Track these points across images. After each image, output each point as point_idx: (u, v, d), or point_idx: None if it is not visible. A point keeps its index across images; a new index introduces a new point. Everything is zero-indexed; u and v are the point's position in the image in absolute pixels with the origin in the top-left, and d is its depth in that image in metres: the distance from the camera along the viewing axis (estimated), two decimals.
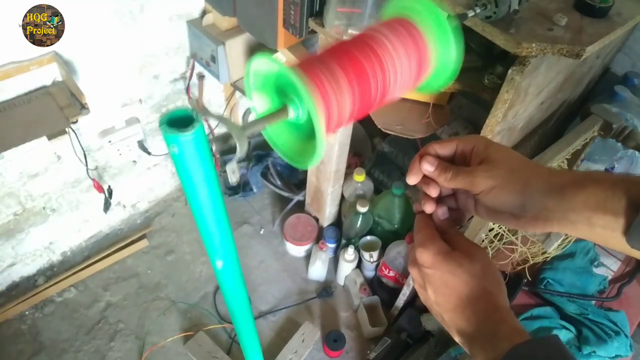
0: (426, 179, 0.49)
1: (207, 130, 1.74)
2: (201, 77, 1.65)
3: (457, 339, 0.45)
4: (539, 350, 0.38)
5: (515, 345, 0.38)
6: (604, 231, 0.39)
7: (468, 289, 0.43)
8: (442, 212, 0.49)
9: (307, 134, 0.45)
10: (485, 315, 0.42)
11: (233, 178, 0.43)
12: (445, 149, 0.49)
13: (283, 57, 1.32)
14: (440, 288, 0.45)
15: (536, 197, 0.41)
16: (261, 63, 0.43)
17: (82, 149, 1.37)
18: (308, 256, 1.75)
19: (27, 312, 1.60)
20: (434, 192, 0.49)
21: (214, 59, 1.44)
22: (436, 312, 0.46)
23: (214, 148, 0.44)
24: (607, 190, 0.38)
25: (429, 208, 0.50)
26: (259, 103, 0.48)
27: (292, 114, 0.44)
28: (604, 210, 0.38)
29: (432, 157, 0.48)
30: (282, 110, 0.44)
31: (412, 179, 0.50)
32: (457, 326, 0.44)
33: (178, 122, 0.41)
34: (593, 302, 1.24)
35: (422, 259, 0.45)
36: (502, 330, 0.41)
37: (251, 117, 0.45)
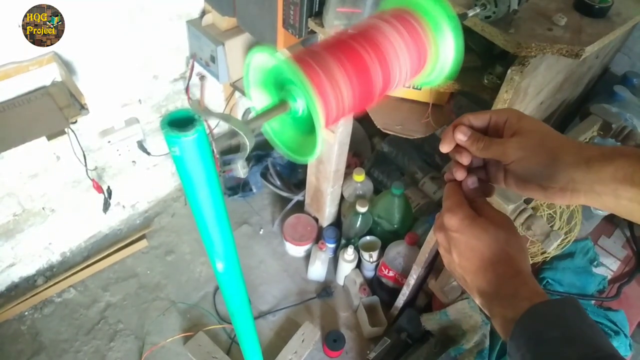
0: (459, 147, 0.50)
1: (206, 130, 1.73)
2: (202, 77, 1.65)
3: (477, 300, 0.46)
4: (558, 308, 0.39)
5: (534, 304, 0.39)
6: (630, 203, 0.40)
7: (491, 252, 0.45)
8: (472, 182, 0.51)
9: (307, 128, 0.45)
10: (506, 277, 0.43)
11: (242, 172, 0.44)
12: (479, 120, 0.49)
13: (282, 57, 1.32)
14: (465, 251, 0.46)
15: (564, 168, 0.42)
16: (259, 57, 0.43)
17: (82, 149, 1.37)
18: (308, 256, 1.75)
19: (26, 313, 1.60)
20: (466, 160, 0.50)
21: (213, 59, 1.44)
22: (459, 274, 0.48)
23: (214, 148, 0.44)
24: (635, 164, 0.39)
25: (460, 175, 0.51)
26: (258, 98, 0.48)
27: (291, 107, 0.44)
28: (632, 182, 0.39)
29: (466, 127, 0.49)
30: (281, 104, 0.44)
31: (445, 147, 0.51)
32: (479, 287, 0.45)
33: (179, 122, 0.41)
34: (592, 301, 1.24)
35: (450, 223, 0.47)
36: (522, 292, 0.42)
37: (251, 117, 0.45)
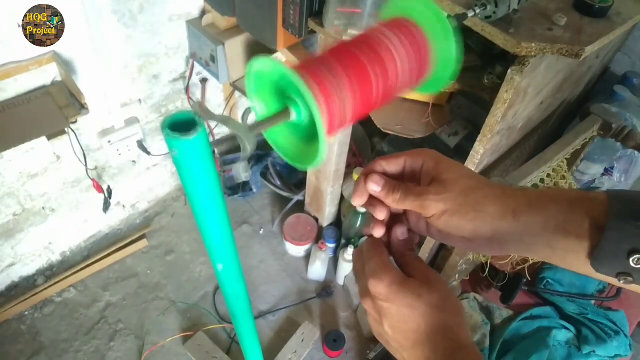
0: (373, 199, 0.45)
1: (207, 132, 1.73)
2: (204, 80, 1.65)
3: None
4: None
5: None
6: (567, 254, 0.37)
7: (427, 323, 0.40)
8: (401, 232, 0.46)
9: (309, 135, 0.45)
10: (446, 355, 0.39)
11: (243, 176, 0.43)
12: (392, 165, 0.45)
13: (282, 57, 1.32)
14: (398, 324, 0.41)
15: (489, 221, 0.39)
16: (262, 64, 0.43)
17: (82, 149, 1.37)
18: (308, 256, 1.75)
19: (26, 313, 1.60)
20: (381, 214, 0.45)
21: (213, 59, 1.44)
22: (394, 348, 0.42)
23: (216, 151, 0.44)
24: (567, 212, 0.36)
25: (378, 232, 0.46)
26: (259, 105, 0.48)
27: (293, 115, 0.44)
28: (565, 232, 0.36)
29: (379, 176, 0.44)
30: (284, 112, 0.44)
31: (357, 201, 0.46)
32: None
33: (180, 125, 0.41)
34: (593, 301, 1.24)
35: (376, 291, 0.41)
36: None
37: (251, 117, 0.45)
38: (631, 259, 0.34)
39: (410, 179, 0.45)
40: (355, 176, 1.62)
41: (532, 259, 1.21)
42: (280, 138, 0.49)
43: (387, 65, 0.46)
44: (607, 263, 0.35)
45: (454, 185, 0.41)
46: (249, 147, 0.40)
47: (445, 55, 0.50)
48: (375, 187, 0.44)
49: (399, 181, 0.44)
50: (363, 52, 0.45)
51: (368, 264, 0.43)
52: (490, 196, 0.40)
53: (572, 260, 0.37)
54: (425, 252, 1.29)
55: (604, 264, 0.35)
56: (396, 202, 0.43)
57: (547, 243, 0.37)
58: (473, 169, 1.03)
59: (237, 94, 1.71)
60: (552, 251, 0.38)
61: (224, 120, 0.41)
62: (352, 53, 0.45)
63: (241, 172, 0.43)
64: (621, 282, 0.35)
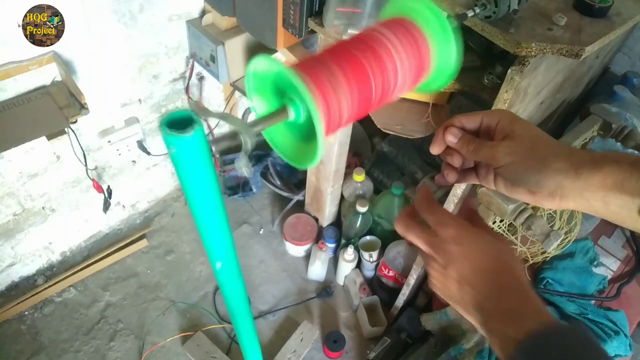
0: (449, 149, 0.50)
1: (206, 131, 1.74)
2: (201, 78, 1.65)
3: (473, 317, 0.43)
4: (567, 339, 0.36)
5: (541, 330, 0.37)
6: (620, 210, 0.40)
7: (492, 261, 0.43)
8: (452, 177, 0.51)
9: (307, 134, 0.45)
10: (509, 290, 0.41)
11: (245, 171, 0.44)
12: (470, 121, 0.49)
13: (282, 57, 1.32)
14: (464, 262, 0.43)
15: (553, 175, 0.42)
16: (261, 64, 0.43)
17: (82, 149, 1.37)
18: (308, 256, 1.75)
19: (26, 312, 1.60)
20: (457, 162, 0.50)
21: (213, 58, 1.44)
22: (454, 292, 0.44)
23: (214, 149, 0.44)
24: (625, 172, 0.39)
25: (451, 177, 0.51)
26: (259, 104, 0.48)
27: (292, 114, 0.44)
28: (621, 189, 0.39)
29: (456, 129, 0.48)
30: (282, 111, 0.44)
31: (435, 149, 0.51)
32: (478, 300, 0.42)
33: (178, 123, 0.41)
34: (592, 301, 1.23)
35: (446, 234, 0.44)
36: (526, 309, 0.40)
37: (251, 117, 0.45)
38: None
39: (485, 136, 0.48)
40: (356, 176, 1.61)
41: (532, 259, 1.21)
42: (278, 137, 0.49)
43: (386, 65, 0.46)
44: None
45: (524, 140, 0.44)
46: (249, 141, 0.40)
47: (444, 55, 0.50)
48: (452, 138, 0.48)
49: (473, 136, 0.48)
50: (362, 52, 0.45)
51: (430, 217, 0.47)
52: (556, 153, 0.43)
53: (624, 216, 0.40)
54: None
55: None
56: (470, 153, 0.47)
57: (603, 198, 0.40)
58: None
59: (237, 93, 1.71)
60: (607, 207, 0.40)
61: (223, 116, 0.41)
62: (350, 52, 0.45)
63: (242, 167, 0.43)
64: None
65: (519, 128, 0.45)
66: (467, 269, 0.43)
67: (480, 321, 0.42)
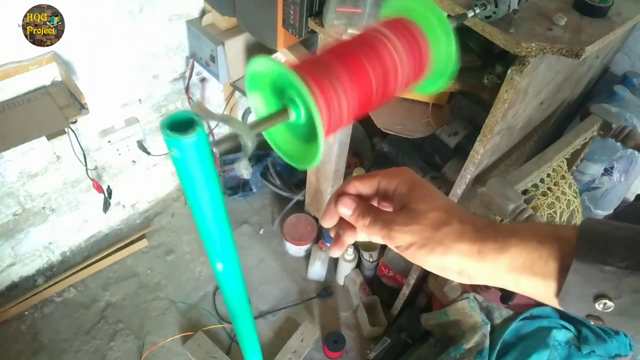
0: (343, 222, 0.45)
1: (206, 131, 1.73)
2: (203, 79, 1.65)
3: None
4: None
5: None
6: (535, 292, 0.37)
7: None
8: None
9: (307, 134, 0.45)
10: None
11: (245, 173, 0.43)
12: (366, 186, 0.44)
13: (282, 57, 1.32)
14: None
15: (456, 258, 0.38)
16: (261, 64, 0.43)
17: (82, 149, 1.37)
18: (308, 256, 1.75)
19: (26, 312, 1.60)
20: (350, 238, 0.45)
21: (213, 58, 1.44)
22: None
23: (215, 150, 0.44)
24: (534, 252, 0.35)
25: (335, 253, 0.46)
26: (259, 105, 0.48)
27: (292, 115, 0.44)
28: (532, 272, 0.36)
29: (350, 199, 0.43)
30: (283, 111, 0.44)
31: (326, 222, 0.45)
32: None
33: (179, 125, 0.41)
34: None
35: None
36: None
37: (251, 117, 0.45)
38: (597, 304, 0.33)
39: (385, 200, 0.44)
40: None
41: None
42: (279, 137, 0.49)
43: (386, 64, 0.46)
44: (574, 305, 0.35)
45: (423, 218, 0.40)
46: (249, 144, 0.40)
47: (444, 55, 0.50)
48: (345, 210, 0.43)
49: (370, 204, 0.44)
50: (362, 51, 0.45)
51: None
52: (458, 232, 0.39)
53: (542, 298, 0.37)
54: None
55: (571, 306, 0.35)
56: (365, 227, 0.42)
57: (515, 281, 0.37)
58: (473, 169, 1.03)
59: (237, 93, 1.71)
60: (521, 289, 0.37)
61: (225, 119, 0.41)
62: (351, 52, 0.45)
63: (242, 169, 0.43)
64: (592, 323, 0.35)
65: (418, 199, 0.41)
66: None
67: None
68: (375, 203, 0.46)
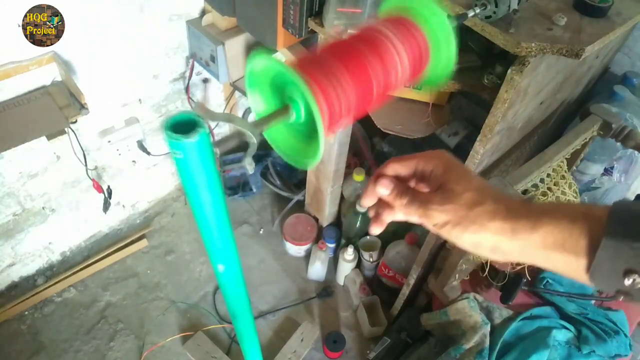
0: (382, 202, 0.46)
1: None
2: (205, 80, 1.65)
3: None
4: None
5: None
6: (567, 268, 0.38)
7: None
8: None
9: (308, 133, 0.45)
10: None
11: (250, 170, 0.43)
12: (404, 167, 0.46)
13: (282, 56, 1.32)
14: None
15: (490, 236, 0.40)
16: (261, 63, 0.43)
17: (82, 149, 1.37)
18: (308, 256, 1.75)
19: (26, 312, 1.60)
20: (389, 217, 0.47)
21: (213, 58, 1.44)
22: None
23: (217, 151, 0.44)
24: (564, 231, 0.37)
25: (375, 231, 0.48)
26: (259, 103, 0.48)
27: (293, 113, 0.44)
28: (563, 249, 0.37)
29: (388, 180, 0.45)
30: (283, 110, 0.44)
31: (366, 201, 0.47)
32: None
33: (181, 126, 0.41)
34: (592, 301, 1.23)
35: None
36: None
37: (251, 117, 0.45)
38: (626, 279, 0.34)
39: (422, 181, 0.46)
40: (356, 176, 1.61)
41: None
42: (279, 137, 0.49)
43: (386, 63, 0.46)
44: (604, 281, 0.36)
45: (458, 198, 0.41)
46: (255, 142, 0.40)
47: (444, 54, 0.50)
48: (383, 190, 0.45)
49: (407, 185, 0.45)
50: (362, 50, 0.45)
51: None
52: (492, 212, 0.40)
53: (573, 274, 0.38)
54: (425, 252, 1.29)
55: (601, 282, 0.36)
56: (403, 207, 0.44)
57: (547, 258, 0.38)
58: (473, 169, 1.03)
59: (237, 93, 1.71)
60: (553, 265, 0.38)
61: (228, 118, 0.41)
62: (351, 50, 0.45)
63: (247, 165, 0.43)
64: (621, 299, 0.36)
65: (453, 180, 0.42)
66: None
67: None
68: (412, 184, 0.47)
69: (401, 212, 0.45)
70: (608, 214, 0.35)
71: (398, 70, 0.47)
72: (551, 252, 0.37)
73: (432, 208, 0.42)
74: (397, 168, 0.46)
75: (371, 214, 0.49)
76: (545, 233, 0.37)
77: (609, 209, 0.36)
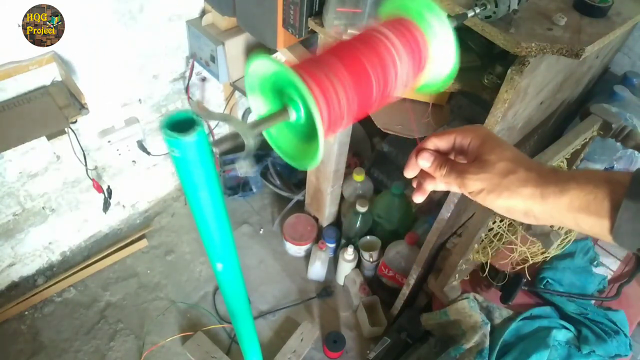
0: (423, 172, 0.51)
1: (206, 131, 1.74)
2: (203, 79, 1.65)
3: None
4: None
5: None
6: (593, 229, 0.41)
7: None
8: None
9: (307, 134, 0.45)
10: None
11: (250, 171, 0.43)
12: (444, 141, 0.50)
13: (282, 57, 1.32)
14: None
15: (521, 201, 0.44)
16: (261, 64, 0.43)
17: (82, 149, 1.37)
18: (308, 256, 1.75)
19: (26, 312, 1.60)
20: (430, 186, 0.51)
21: (213, 58, 1.44)
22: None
23: (216, 150, 0.44)
24: (590, 194, 0.40)
25: (420, 199, 0.53)
26: (259, 104, 0.48)
27: (293, 114, 0.44)
28: (588, 212, 0.40)
29: (429, 153, 0.50)
30: (283, 111, 0.44)
31: (409, 173, 0.52)
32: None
33: (179, 125, 0.41)
34: (592, 301, 1.24)
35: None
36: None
37: (251, 117, 0.45)
38: None
39: (460, 154, 0.50)
40: (356, 176, 1.61)
41: (532, 259, 1.21)
42: (279, 137, 0.49)
43: (386, 65, 0.46)
44: (627, 241, 0.39)
45: (492, 167, 0.45)
46: (251, 143, 0.40)
47: (444, 55, 0.50)
48: (424, 162, 0.50)
49: (446, 157, 0.50)
50: (362, 52, 0.45)
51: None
52: (523, 179, 0.44)
53: (598, 234, 0.41)
54: (425, 252, 1.29)
55: (624, 241, 0.39)
56: (442, 177, 0.49)
57: (574, 220, 0.42)
58: None
59: (237, 93, 1.71)
60: (579, 226, 0.42)
61: (224, 118, 0.41)
62: (351, 52, 0.45)
63: (245, 167, 0.43)
64: None
65: (488, 151, 0.46)
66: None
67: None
68: (452, 157, 0.51)
69: (441, 182, 0.50)
70: (631, 179, 0.39)
71: (399, 72, 0.47)
72: (578, 214, 0.41)
73: (468, 177, 0.46)
74: (436, 142, 0.50)
75: (414, 184, 0.54)
76: (572, 197, 0.41)
77: (632, 174, 0.39)
